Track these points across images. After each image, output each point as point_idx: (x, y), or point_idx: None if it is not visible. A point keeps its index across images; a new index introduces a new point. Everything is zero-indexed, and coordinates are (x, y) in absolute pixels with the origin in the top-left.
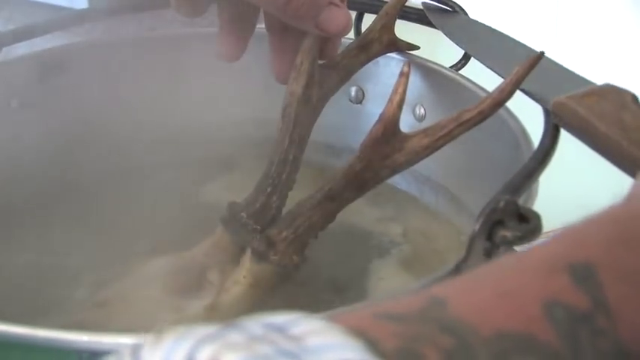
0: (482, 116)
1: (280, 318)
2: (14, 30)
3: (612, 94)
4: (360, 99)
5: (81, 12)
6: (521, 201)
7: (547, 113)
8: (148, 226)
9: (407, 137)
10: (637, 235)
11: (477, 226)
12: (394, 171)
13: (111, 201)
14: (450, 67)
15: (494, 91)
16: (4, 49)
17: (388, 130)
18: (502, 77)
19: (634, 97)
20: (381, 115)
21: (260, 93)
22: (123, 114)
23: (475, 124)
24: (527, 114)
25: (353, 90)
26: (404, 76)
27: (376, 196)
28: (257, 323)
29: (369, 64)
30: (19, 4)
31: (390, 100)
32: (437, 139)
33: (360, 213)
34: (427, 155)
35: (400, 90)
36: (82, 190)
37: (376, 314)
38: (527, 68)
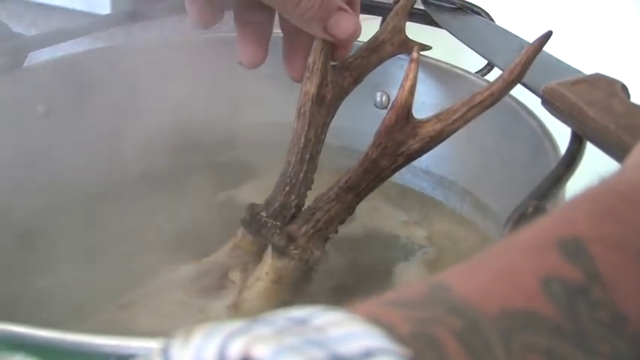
0: (494, 98)
1: (301, 311)
2: (38, 36)
3: (602, 82)
4: (385, 104)
5: (103, 18)
6: (548, 206)
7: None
8: (172, 231)
9: (420, 123)
10: (619, 207)
11: (506, 232)
12: (410, 158)
13: (135, 206)
14: (476, 73)
15: (504, 72)
16: (29, 54)
17: (401, 117)
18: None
19: (623, 86)
20: (394, 102)
21: (282, 97)
22: (145, 119)
23: (487, 107)
24: (553, 118)
25: (378, 95)
26: (414, 62)
27: (402, 200)
28: (280, 317)
29: (395, 69)
30: (41, 10)
31: (402, 86)
32: (450, 124)
33: (385, 216)
34: (441, 141)
35: (411, 76)
36: (106, 196)
37: (385, 302)
38: (537, 47)
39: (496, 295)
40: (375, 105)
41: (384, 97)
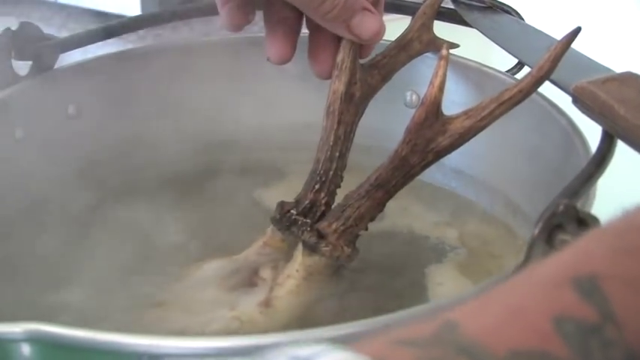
0: (523, 94)
1: (307, 349)
2: (69, 37)
3: (633, 80)
4: (414, 103)
5: (133, 19)
6: (579, 205)
7: None
8: (203, 231)
9: (449, 120)
10: (638, 244)
11: (537, 230)
12: (439, 155)
13: (166, 206)
14: (506, 72)
15: (533, 69)
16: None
17: (430, 114)
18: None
19: None
20: (423, 99)
21: (313, 98)
22: (176, 120)
23: (516, 103)
24: (583, 117)
25: (407, 94)
26: (443, 59)
27: (432, 200)
28: (285, 355)
29: (424, 68)
30: (72, 13)
31: (431, 83)
32: (479, 120)
33: (416, 217)
34: (470, 137)
35: (440, 73)
36: (137, 196)
37: (392, 341)
38: (566, 44)
39: (507, 334)
40: (405, 104)
41: (413, 96)
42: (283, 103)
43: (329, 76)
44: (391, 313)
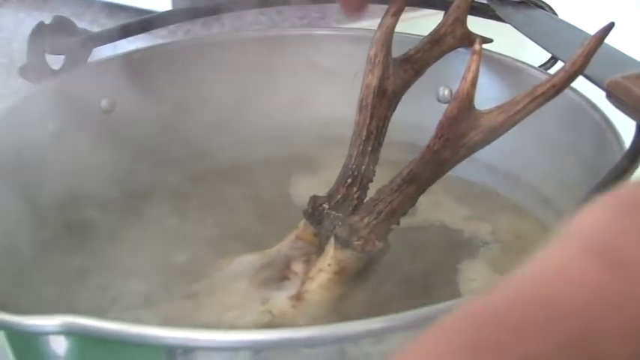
0: (556, 89)
1: None
2: (102, 31)
3: None
4: (447, 98)
5: (164, 14)
6: None
7: None
8: (234, 225)
9: (482, 115)
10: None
11: None
12: (471, 149)
13: (196, 200)
14: (539, 67)
15: (566, 64)
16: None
17: (463, 108)
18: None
19: None
20: (456, 94)
21: (346, 93)
22: (208, 114)
23: (549, 98)
24: (617, 112)
25: (440, 89)
26: (476, 53)
27: (465, 195)
28: None
29: (457, 63)
30: (103, 8)
31: (464, 77)
32: (512, 115)
33: (448, 212)
34: (503, 132)
35: (473, 67)
36: (169, 190)
37: None
38: (599, 38)
39: None
40: (438, 99)
41: (446, 92)
42: (315, 98)
43: (358, 12)
44: (423, 308)
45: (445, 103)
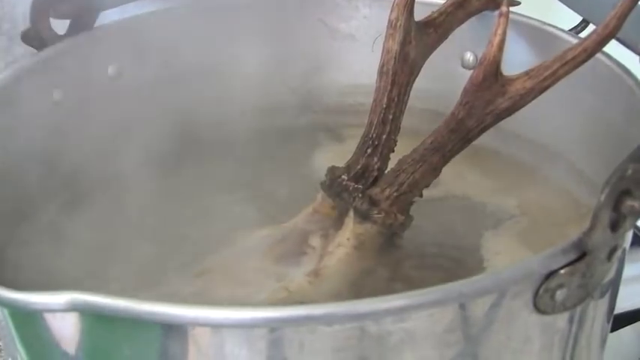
0: (587, 54)
1: None
2: None
3: None
4: (472, 65)
5: None
6: None
7: None
8: (251, 197)
9: (509, 80)
10: None
11: (603, 196)
12: (498, 117)
13: (211, 171)
14: (570, 31)
15: (598, 27)
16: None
17: (489, 74)
18: None
19: None
20: (481, 58)
21: (366, 58)
22: (220, 82)
23: (580, 63)
24: None
25: (465, 55)
26: (503, 16)
27: (490, 166)
28: None
29: (483, 27)
30: None
31: (490, 42)
32: (541, 81)
33: (473, 184)
34: (531, 99)
35: (500, 31)
36: (180, 161)
37: None
38: (633, 0)
39: None
40: (462, 65)
41: (471, 57)
42: (335, 64)
43: None
44: (446, 284)
45: (470, 69)
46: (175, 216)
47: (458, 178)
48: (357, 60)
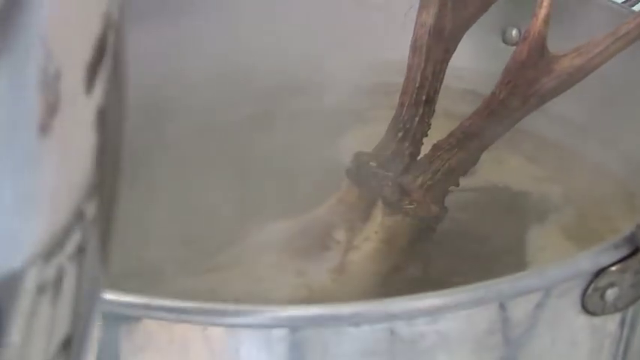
0: None
1: None
2: None
3: None
4: (515, 40)
5: None
6: None
7: None
8: (269, 186)
9: (556, 58)
10: None
11: None
12: (543, 98)
13: (220, 157)
14: (622, 3)
15: None
16: None
17: (534, 50)
18: None
19: None
20: (526, 34)
21: (393, 31)
22: (232, 57)
23: (633, 40)
24: None
25: (508, 29)
26: None
27: (534, 152)
28: None
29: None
30: None
31: (535, 15)
32: (591, 58)
33: (514, 171)
34: (580, 79)
35: (546, 3)
36: (184, 144)
37: None
38: None
39: None
40: (504, 41)
41: (513, 32)
42: (362, 38)
43: None
44: (485, 282)
45: (513, 45)
46: (183, 207)
47: (498, 165)
48: (387, 34)
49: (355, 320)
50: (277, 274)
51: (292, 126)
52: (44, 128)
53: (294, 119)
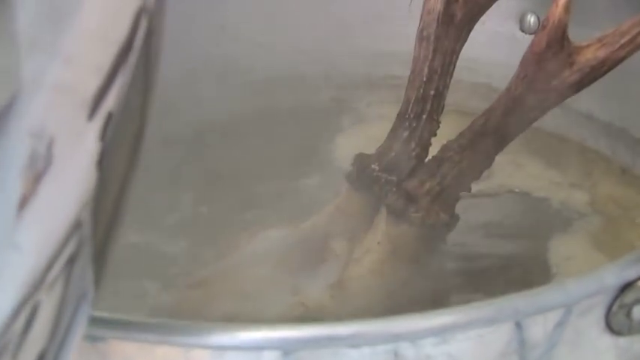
0: None
1: None
2: None
3: None
4: (534, 28)
5: None
6: None
7: None
8: (260, 190)
9: (578, 49)
10: None
11: None
12: (564, 94)
13: (206, 156)
14: None
15: None
16: None
17: (554, 41)
18: None
19: None
20: (544, 22)
21: (402, 19)
22: (219, 47)
23: None
24: None
25: (526, 17)
26: None
27: (555, 154)
28: None
29: None
30: None
31: (555, 1)
32: (617, 49)
33: (532, 175)
34: (605, 72)
35: None
36: (172, 146)
37: None
38: None
39: None
40: (522, 29)
41: (532, 19)
42: (362, 26)
43: None
44: (499, 298)
45: (531, 34)
46: (160, 211)
47: (515, 169)
48: (391, 22)
49: (355, 341)
50: (270, 291)
51: (287, 123)
52: (23, 205)
53: (290, 116)
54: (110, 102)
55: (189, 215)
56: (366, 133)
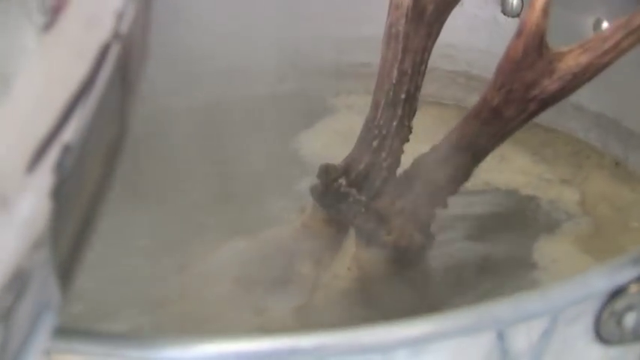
0: None
1: None
2: None
3: None
4: (517, 12)
5: None
6: None
7: None
8: (219, 196)
9: (559, 55)
10: None
11: None
12: (545, 104)
13: (160, 158)
14: None
15: None
16: None
17: (531, 47)
18: None
19: None
20: (521, 27)
21: (370, 3)
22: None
23: None
24: None
25: None
26: None
27: (543, 149)
28: None
29: None
30: None
31: (531, 4)
32: (601, 55)
33: (520, 171)
34: (589, 79)
35: None
36: (141, 138)
37: None
38: None
39: None
40: (504, 12)
41: (515, 1)
42: (329, 12)
43: None
44: (478, 305)
45: (514, 16)
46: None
47: (500, 164)
48: (359, 5)
49: (320, 354)
50: (229, 311)
51: (247, 117)
52: None
53: (249, 108)
54: (67, 135)
55: (147, 219)
56: (334, 127)
